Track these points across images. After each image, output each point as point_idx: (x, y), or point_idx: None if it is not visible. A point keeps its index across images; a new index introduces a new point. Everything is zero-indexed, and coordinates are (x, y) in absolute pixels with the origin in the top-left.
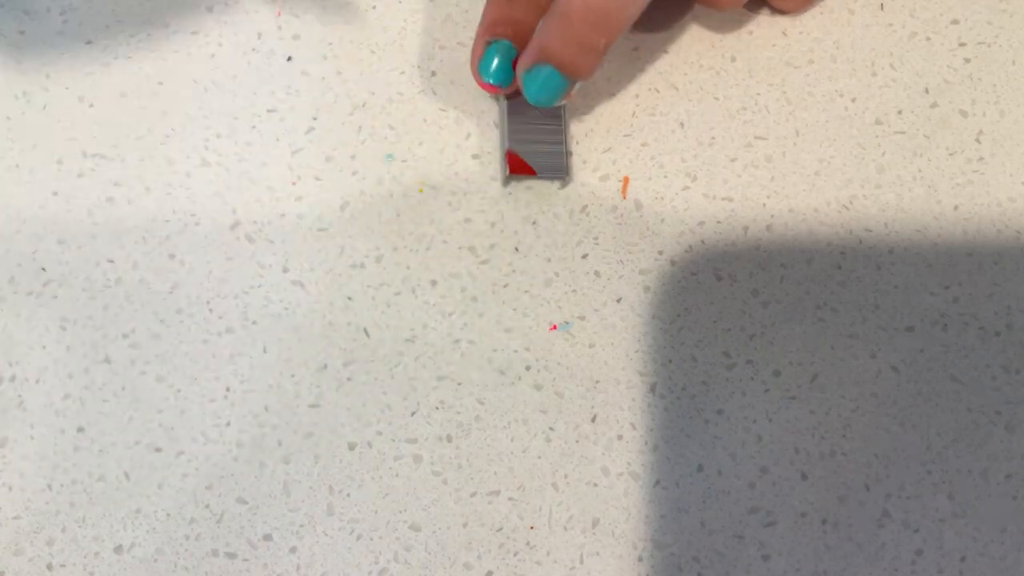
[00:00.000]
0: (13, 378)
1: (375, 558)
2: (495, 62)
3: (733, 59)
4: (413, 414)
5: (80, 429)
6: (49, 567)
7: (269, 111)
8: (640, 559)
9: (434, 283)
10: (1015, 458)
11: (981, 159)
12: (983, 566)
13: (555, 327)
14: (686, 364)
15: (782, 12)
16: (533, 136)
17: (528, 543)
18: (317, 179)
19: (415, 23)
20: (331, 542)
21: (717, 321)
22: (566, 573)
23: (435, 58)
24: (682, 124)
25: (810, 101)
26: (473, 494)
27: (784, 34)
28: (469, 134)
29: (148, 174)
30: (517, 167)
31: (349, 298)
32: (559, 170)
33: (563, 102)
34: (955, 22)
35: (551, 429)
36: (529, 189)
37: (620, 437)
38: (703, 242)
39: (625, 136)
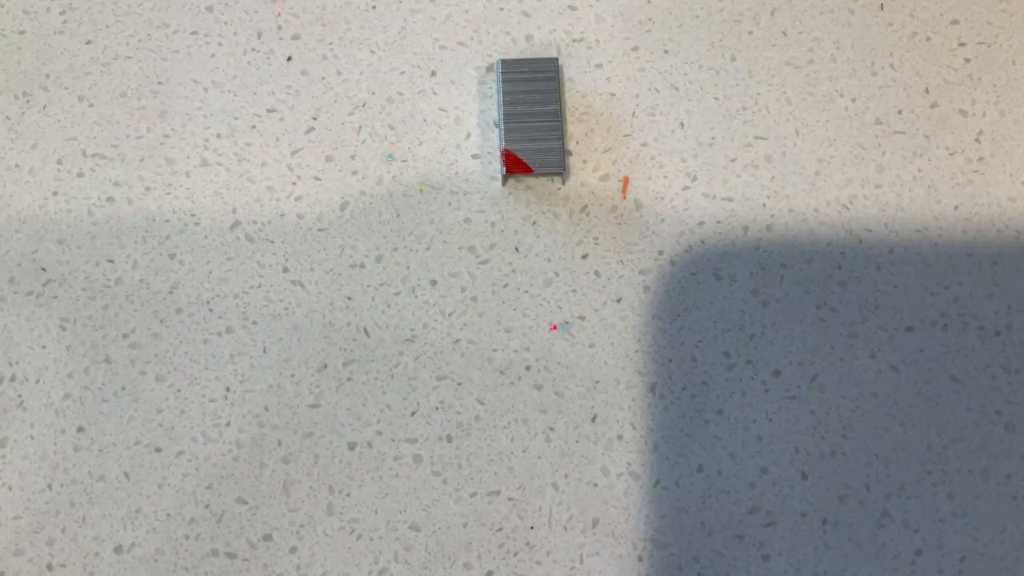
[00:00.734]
0: (13, 378)
1: (375, 558)
2: None
3: (733, 59)
4: (413, 414)
5: (80, 429)
6: (49, 567)
7: (269, 111)
8: (640, 559)
9: (434, 283)
10: (1015, 458)
11: (981, 159)
12: (983, 566)
13: (555, 327)
14: (686, 364)
15: None
16: (530, 134)
17: (528, 543)
18: (317, 179)
19: (415, 23)
20: (331, 542)
21: (717, 321)
22: (566, 573)
23: (435, 58)
24: (682, 124)
25: (810, 101)
26: (473, 494)
27: (784, 34)
28: (469, 134)
29: (148, 174)
30: (514, 165)
31: (349, 298)
32: (556, 166)
33: None
34: (955, 22)
35: (551, 429)
36: (529, 189)
37: (620, 437)
38: (703, 242)
39: (625, 136)
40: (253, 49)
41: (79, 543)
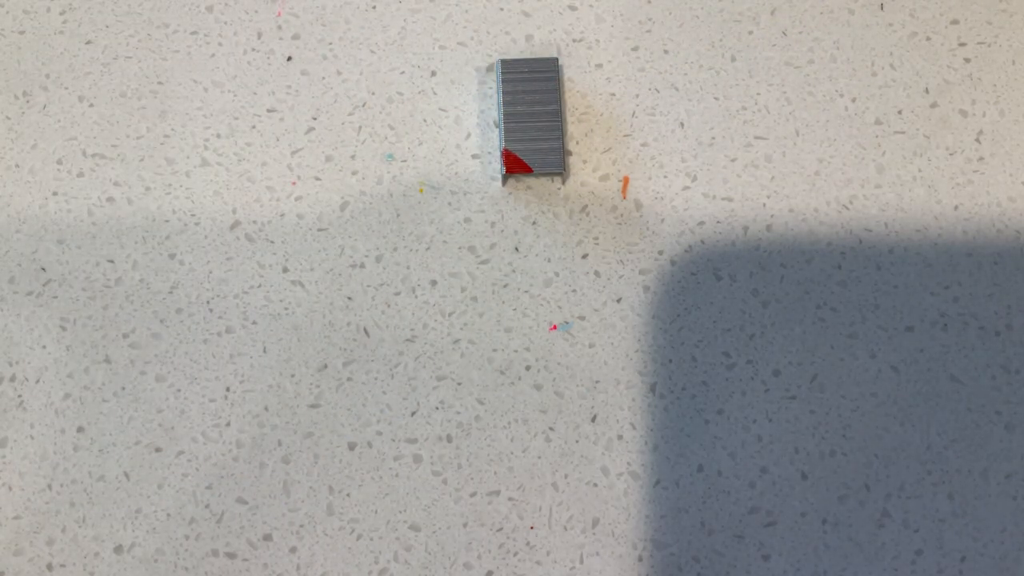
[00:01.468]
0: (13, 378)
1: (375, 558)
2: None
3: (733, 59)
4: (413, 414)
5: (80, 429)
6: (49, 567)
7: (269, 111)
8: (640, 559)
9: (434, 283)
10: (1015, 458)
11: (981, 159)
12: (983, 566)
13: (555, 327)
14: (686, 364)
15: None
16: (530, 134)
17: (528, 543)
18: (317, 179)
19: (415, 23)
20: (331, 542)
21: (717, 321)
22: (566, 573)
23: (435, 58)
24: (682, 124)
25: (810, 101)
26: (473, 494)
27: (784, 34)
28: (469, 134)
29: (148, 174)
30: (514, 165)
31: (349, 298)
32: (556, 166)
33: None
34: (955, 22)
35: (551, 429)
36: (529, 189)
37: (620, 437)
38: (703, 242)
39: (625, 136)
40: (253, 49)
41: (79, 543)
